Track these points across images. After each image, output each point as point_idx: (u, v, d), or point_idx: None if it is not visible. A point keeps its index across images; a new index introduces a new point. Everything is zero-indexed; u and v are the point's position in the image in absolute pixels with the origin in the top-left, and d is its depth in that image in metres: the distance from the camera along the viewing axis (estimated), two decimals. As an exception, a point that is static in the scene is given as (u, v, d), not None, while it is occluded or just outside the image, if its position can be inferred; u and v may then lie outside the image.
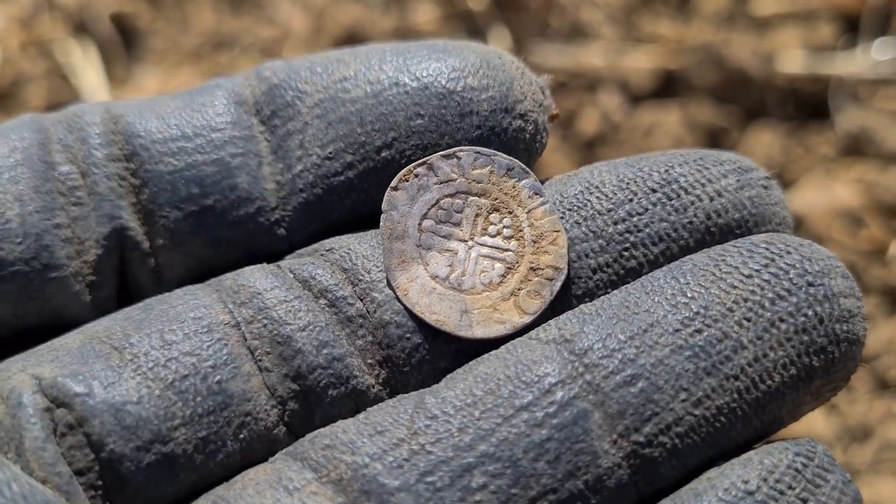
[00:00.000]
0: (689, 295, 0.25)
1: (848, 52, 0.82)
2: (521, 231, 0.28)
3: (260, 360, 0.27)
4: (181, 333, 0.27)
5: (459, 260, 0.28)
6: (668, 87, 0.82)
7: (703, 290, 0.25)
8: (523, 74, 0.30)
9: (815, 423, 0.64)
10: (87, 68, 0.87)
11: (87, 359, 0.26)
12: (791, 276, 0.25)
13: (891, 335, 0.67)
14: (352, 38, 0.87)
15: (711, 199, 0.28)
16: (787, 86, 0.80)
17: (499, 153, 0.28)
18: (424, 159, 0.28)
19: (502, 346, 0.26)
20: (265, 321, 0.27)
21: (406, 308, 0.27)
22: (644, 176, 0.28)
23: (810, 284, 0.25)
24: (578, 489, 0.24)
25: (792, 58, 0.81)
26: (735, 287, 0.25)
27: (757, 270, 0.25)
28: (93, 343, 0.27)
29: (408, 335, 0.27)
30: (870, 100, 0.79)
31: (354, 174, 0.29)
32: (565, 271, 0.27)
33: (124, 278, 0.30)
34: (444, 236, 0.28)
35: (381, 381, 0.27)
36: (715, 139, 0.79)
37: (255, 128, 0.29)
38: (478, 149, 0.28)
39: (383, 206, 0.28)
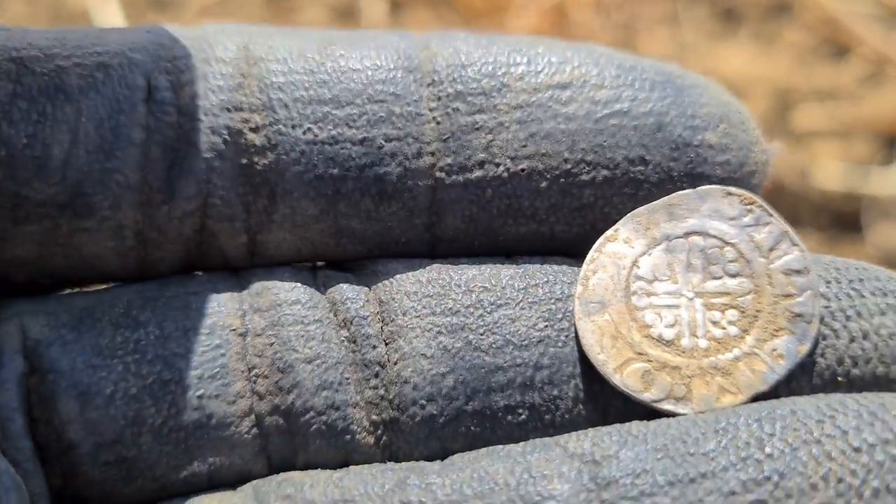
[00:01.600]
0: (767, 451, 0.19)
1: (883, 170, 0.83)
2: (725, 349, 0.23)
3: (254, 382, 0.23)
4: (181, 327, 0.23)
5: (665, 287, 0.23)
6: (704, 191, 0.83)
7: (787, 450, 0.19)
8: (759, 139, 0.25)
9: None
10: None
11: (82, 327, 0.23)
12: None
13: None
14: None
15: (852, 340, 0.22)
16: (822, 199, 0.81)
17: (819, 296, 0.22)
18: (771, 211, 0.24)
19: (522, 444, 0.22)
20: (273, 339, 0.23)
21: (594, 245, 0.23)
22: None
23: None
24: None
25: (828, 172, 0.82)
26: (832, 459, 0.19)
27: (872, 445, 0.19)
28: (95, 310, 0.24)
29: (423, 402, 0.23)
30: (903, 220, 0.80)
31: (543, 205, 0.24)
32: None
33: (205, 248, 0.25)
34: (689, 262, 0.23)
35: (380, 444, 0.23)
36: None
37: (423, 103, 0.24)
38: (811, 269, 0.23)
39: (698, 189, 0.23)
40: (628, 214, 0.24)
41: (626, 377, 0.22)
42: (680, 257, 0.23)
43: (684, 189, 0.24)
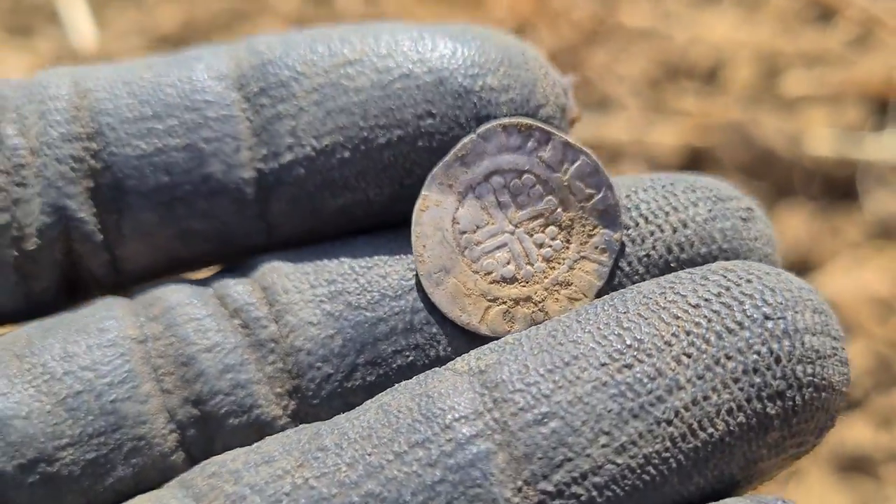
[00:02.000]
0: (625, 325, 0.22)
1: (876, 136, 0.81)
2: (559, 263, 0.25)
3: (161, 381, 0.25)
4: (84, 345, 0.25)
5: (488, 231, 0.26)
6: (693, 163, 0.81)
7: (640, 321, 0.22)
8: (547, 74, 0.27)
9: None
10: None
11: None
12: (746, 307, 0.22)
13: (925, 430, 0.65)
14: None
15: (675, 231, 0.25)
16: (815, 167, 0.79)
17: (614, 189, 0.25)
18: (549, 129, 0.26)
19: (414, 378, 0.24)
20: (172, 339, 0.25)
21: (412, 219, 0.26)
22: None
23: (767, 317, 0.22)
24: None
25: (820, 139, 0.80)
26: (678, 318, 0.22)
27: (707, 300, 0.22)
28: None
29: (318, 364, 0.25)
30: (899, 185, 0.78)
31: (352, 172, 0.26)
32: None
33: (75, 271, 0.27)
34: (499, 201, 0.26)
35: (289, 412, 0.25)
36: (740, 218, 0.78)
37: (235, 105, 0.27)
38: (600, 167, 0.26)
39: (479, 131, 0.26)
40: (428, 177, 0.26)
41: (491, 324, 0.25)
42: (489, 199, 0.26)
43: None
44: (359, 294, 0.25)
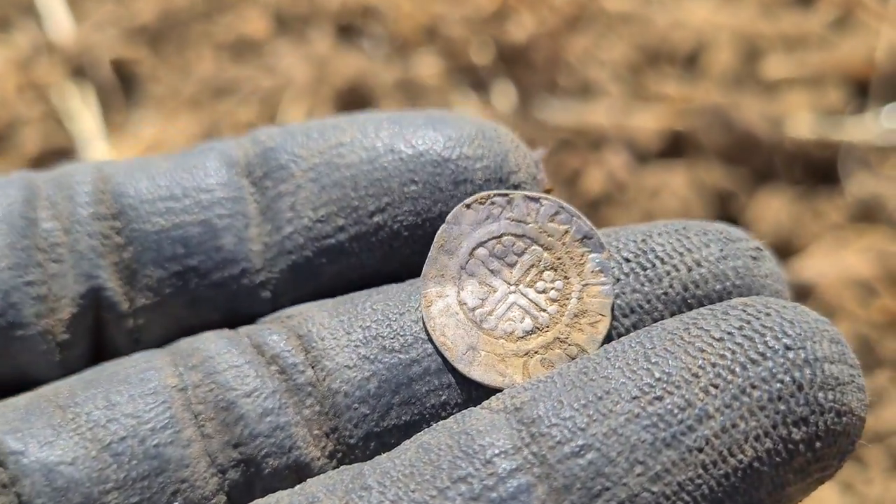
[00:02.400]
0: (653, 360, 0.23)
1: (857, 118, 0.81)
2: (567, 299, 0.27)
3: (202, 426, 0.26)
4: (126, 395, 0.26)
5: (494, 299, 0.27)
6: (675, 147, 0.81)
7: (667, 356, 0.23)
8: (518, 147, 0.30)
9: (830, 503, 0.61)
10: (84, 113, 0.85)
11: (31, 417, 0.26)
12: (767, 338, 0.23)
13: (906, 411, 0.65)
14: (354, 89, 0.85)
15: (689, 270, 0.26)
16: (796, 150, 0.79)
17: (582, 217, 0.27)
18: (506, 192, 0.28)
19: (452, 417, 0.25)
20: (212, 385, 0.26)
21: (423, 320, 0.27)
22: (619, 245, 0.27)
23: (788, 348, 0.23)
24: None
25: (801, 122, 0.80)
26: (703, 351, 0.23)
27: (729, 333, 0.23)
28: (39, 401, 0.26)
29: (356, 405, 0.26)
30: (880, 166, 0.78)
31: (346, 237, 0.29)
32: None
33: (100, 339, 0.29)
34: (491, 270, 0.27)
35: (327, 453, 0.26)
36: (723, 202, 0.78)
37: (245, 189, 0.29)
38: (563, 204, 0.28)
39: (448, 218, 0.28)
40: (420, 279, 0.27)
41: (534, 375, 0.26)
42: (482, 272, 0.27)
43: (456, 197, 0.28)
44: (392, 338, 0.27)
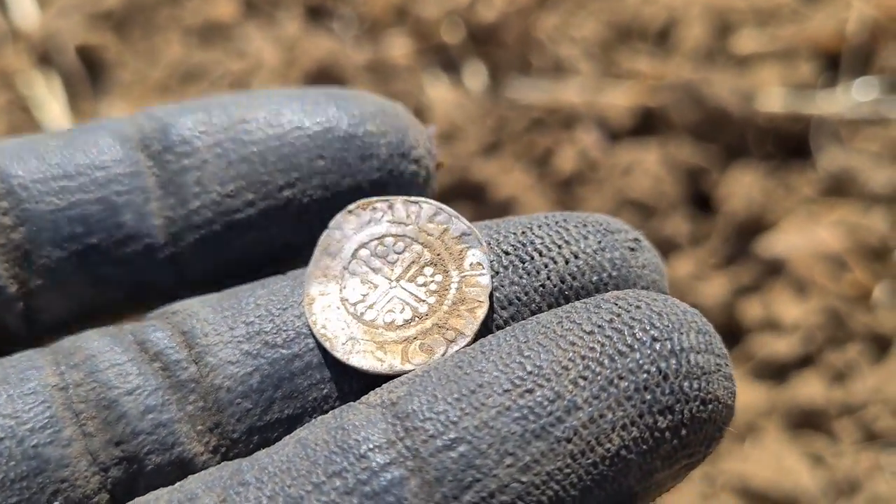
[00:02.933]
0: (526, 354, 0.24)
1: (828, 91, 0.80)
2: (446, 291, 0.27)
3: (84, 425, 0.26)
4: (5, 395, 0.26)
5: (376, 294, 0.28)
6: (646, 124, 0.81)
7: (540, 349, 0.24)
8: (415, 124, 0.31)
9: (801, 475, 0.62)
10: (50, 100, 0.84)
11: None
12: (636, 330, 0.24)
13: (877, 384, 0.65)
14: (324, 71, 0.85)
15: (567, 262, 0.26)
16: (768, 124, 0.79)
17: (461, 217, 0.28)
18: (387, 197, 0.29)
19: (330, 412, 0.25)
20: (94, 384, 0.26)
21: (306, 316, 0.27)
22: (499, 238, 0.27)
23: (655, 339, 0.24)
24: None
25: (772, 96, 0.80)
26: (574, 344, 0.24)
27: (600, 326, 0.24)
28: None
29: (238, 400, 0.26)
30: (851, 140, 0.78)
31: (255, 212, 0.29)
32: (469, 338, 0.26)
33: None
34: (373, 268, 0.28)
35: (210, 448, 0.26)
36: (695, 178, 0.78)
37: (141, 163, 0.29)
38: (442, 206, 0.28)
39: (330, 224, 0.28)
40: (305, 279, 0.28)
41: (413, 359, 0.26)
42: (364, 271, 0.28)
43: (363, 171, 0.29)
44: (275, 333, 0.27)
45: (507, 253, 0.27)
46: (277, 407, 0.26)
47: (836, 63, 0.82)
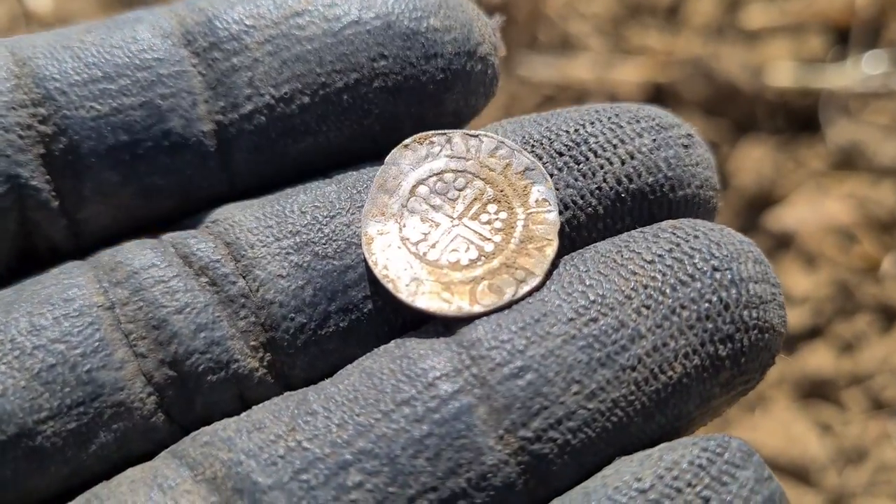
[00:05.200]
0: (588, 283, 0.24)
1: (838, 65, 0.81)
2: (513, 229, 0.26)
3: (135, 345, 0.25)
4: (51, 317, 0.25)
5: (438, 232, 0.26)
6: (656, 100, 0.81)
7: (601, 278, 0.24)
8: (479, 16, 0.29)
9: (809, 444, 0.63)
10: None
11: None
12: (696, 260, 0.24)
13: (885, 354, 0.66)
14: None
15: (623, 162, 0.26)
16: (777, 99, 0.79)
17: (523, 151, 0.27)
18: (446, 131, 0.27)
19: (392, 341, 0.25)
20: (141, 303, 0.25)
21: (365, 258, 0.26)
22: (552, 137, 0.27)
23: (716, 269, 0.24)
24: (461, 487, 0.22)
25: (781, 71, 0.80)
26: (635, 273, 0.24)
27: (660, 256, 0.24)
28: None
29: (292, 315, 0.25)
30: (860, 113, 0.78)
31: (312, 117, 0.27)
32: (539, 279, 0.25)
33: (31, 240, 0.27)
34: (433, 206, 0.27)
35: (265, 364, 0.25)
36: (705, 153, 0.78)
37: (185, 61, 0.27)
38: (503, 139, 0.27)
39: (386, 159, 0.27)
40: (360, 219, 0.26)
41: (482, 301, 0.25)
42: (424, 209, 0.27)
43: (427, 72, 0.27)
44: (325, 244, 0.26)
45: (560, 154, 0.26)
46: (333, 321, 0.25)
47: (845, 37, 0.83)
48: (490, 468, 0.23)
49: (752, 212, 0.74)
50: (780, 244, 0.72)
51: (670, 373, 0.23)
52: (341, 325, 0.25)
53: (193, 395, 0.25)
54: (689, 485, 0.22)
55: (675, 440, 0.23)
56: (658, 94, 0.81)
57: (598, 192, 0.26)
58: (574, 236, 0.26)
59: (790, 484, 0.62)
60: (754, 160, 0.76)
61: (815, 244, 0.71)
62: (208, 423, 0.25)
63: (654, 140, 0.26)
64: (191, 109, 0.27)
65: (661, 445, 0.23)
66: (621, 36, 0.85)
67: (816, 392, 0.66)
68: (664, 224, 0.25)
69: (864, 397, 0.65)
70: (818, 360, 0.67)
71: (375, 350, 0.25)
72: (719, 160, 0.78)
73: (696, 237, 0.24)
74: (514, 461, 0.23)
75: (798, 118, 0.80)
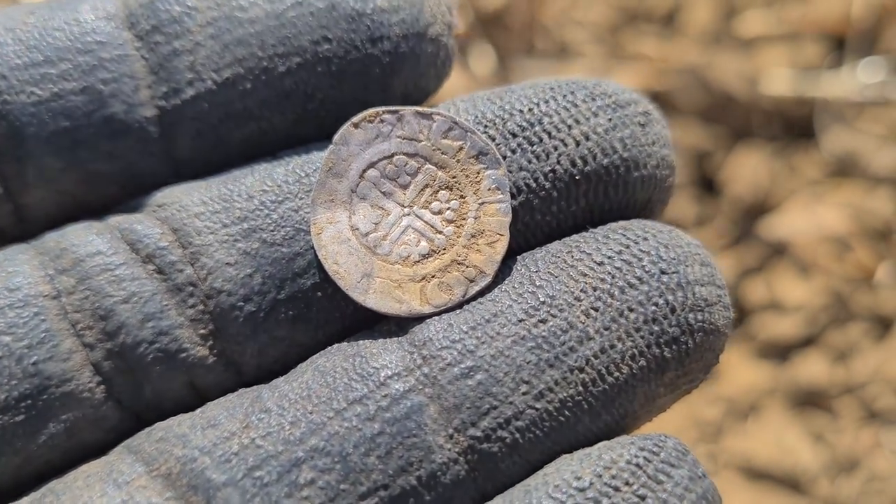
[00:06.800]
0: (538, 284, 0.24)
1: (834, 74, 0.81)
2: (464, 219, 0.26)
3: (82, 335, 0.25)
4: None
5: (388, 222, 0.26)
6: (652, 107, 0.81)
7: (552, 279, 0.24)
8: None
9: (802, 453, 0.63)
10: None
11: None
12: (644, 263, 0.24)
13: (878, 363, 0.66)
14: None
15: (578, 144, 0.25)
16: (773, 107, 0.79)
17: (477, 133, 0.26)
18: (397, 108, 0.26)
19: (346, 339, 0.25)
20: (87, 292, 0.25)
21: (314, 248, 0.25)
22: (505, 117, 0.26)
23: (663, 272, 0.24)
24: (411, 485, 0.23)
25: (777, 79, 0.80)
26: (585, 275, 0.24)
27: (609, 258, 0.24)
28: None
29: (241, 304, 0.25)
30: (856, 121, 0.79)
31: (255, 102, 0.27)
32: (489, 277, 0.25)
33: None
34: (383, 192, 0.26)
35: (215, 352, 0.25)
36: (701, 160, 0.79)
37: (128, 45, 0.27)
38: (457, 119, 0.26)
39: (335, 139, 0.26)
40: (310, 203, 0.26)
41: (432, 300, 0.25)
42: (374, 195, 0.26)
43: (373, 56, 0.26)
44: (273, 230, 0.26)
45: (514, 135, 0.26)
46: (283, 309, 0.25)
47: (841, 45, 0.83)
48: (440, 466, 0.23)
49: (747, 220, 0.74)
50: (775, 252, 0.72)
51: (617, 374, 0.24)
52: (291, 312, 0.25)
53: (142, 383, 0.25)
54: (627, 483, 0.23)
55: (614, 439, 0.24)
56: (654, 102, 0.81)
57: (552, 174, 0.26)
58: (528, 220, 0.26)
59: (782, 492, 0.62)
60: (749, 168, 0.76)
61: (809, 253, 0.71)
62: (160, 409, 0.25)
63: (610, 119, 0.26)
64: (133, 94, 0.26)
65: (600, 444, 0.23)
66: (618, 43, 0.85)
67: (809, 401, 0.66)
68: (614, 225, 0.25)
69: (857, 406, 0.65)
70: (811, 368, 0.67)
71: (329, 348, 0.25)
72: (714, 168, 0.78)
73: (645, 239, 0.25)
74: (464, 459, 0.23)
75: (794, 126, 0.80)
